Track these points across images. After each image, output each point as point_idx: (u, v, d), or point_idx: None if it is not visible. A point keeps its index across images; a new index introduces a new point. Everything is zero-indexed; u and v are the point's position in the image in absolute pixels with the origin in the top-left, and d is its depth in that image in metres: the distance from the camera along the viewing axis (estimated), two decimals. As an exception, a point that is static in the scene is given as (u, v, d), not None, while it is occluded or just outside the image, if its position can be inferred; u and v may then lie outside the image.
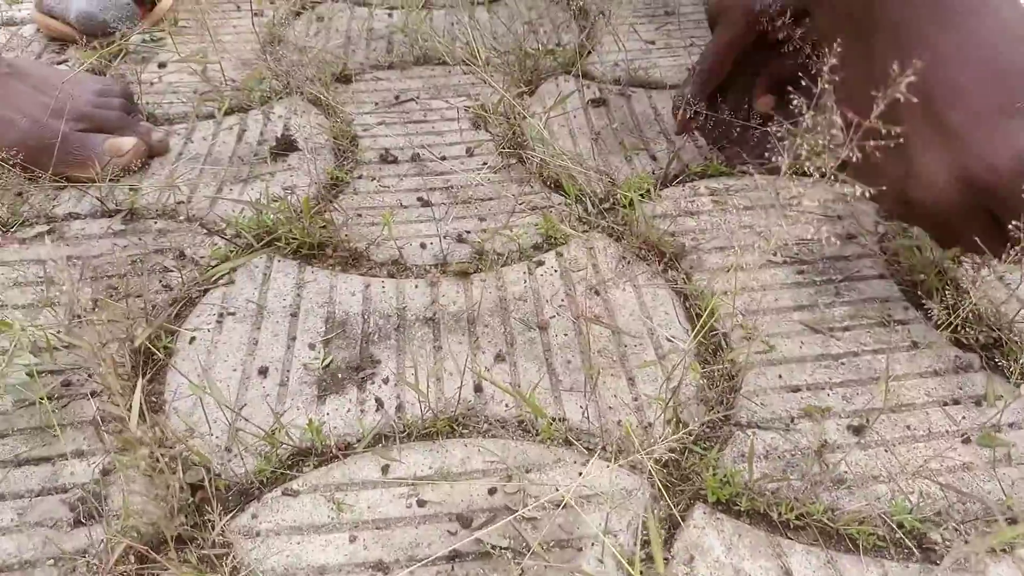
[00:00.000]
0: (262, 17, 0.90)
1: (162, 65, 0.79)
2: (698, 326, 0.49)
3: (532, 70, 0.78)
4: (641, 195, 0.61)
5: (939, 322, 0.50)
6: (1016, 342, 0.48)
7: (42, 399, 0.44)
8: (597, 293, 0.53)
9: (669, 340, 0.49)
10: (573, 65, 0.79)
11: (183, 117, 0.71)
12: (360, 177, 0.64)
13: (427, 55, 0.81)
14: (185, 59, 0.79)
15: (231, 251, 0.56)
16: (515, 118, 0.70)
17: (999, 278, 0.54)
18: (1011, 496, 0.40)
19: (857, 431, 0.43)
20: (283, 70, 0.77)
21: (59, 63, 0.80)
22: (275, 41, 0.84)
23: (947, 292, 0.51)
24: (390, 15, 0.90)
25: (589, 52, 0.83)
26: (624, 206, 0.60)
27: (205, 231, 0.58)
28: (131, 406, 0.37)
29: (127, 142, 0.63)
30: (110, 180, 0.62)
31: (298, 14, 0.91)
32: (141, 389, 0.42)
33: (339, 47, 0.84)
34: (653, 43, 0.84)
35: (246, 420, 0.44)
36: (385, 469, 0.41)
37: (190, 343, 0.49)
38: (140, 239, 0.57)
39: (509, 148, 0.66)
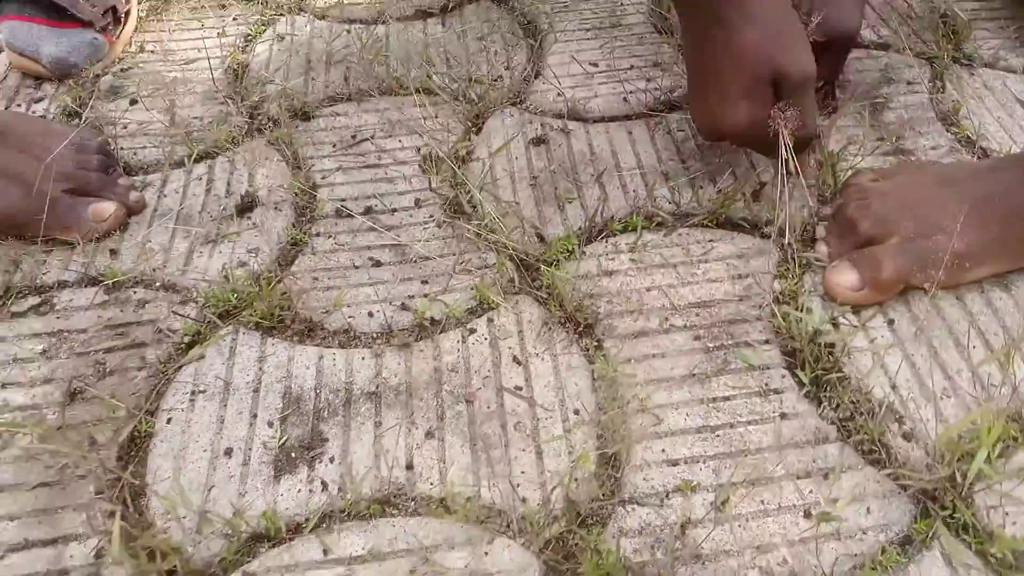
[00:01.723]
0: (225, 37, 0.94)
1: (133, 102, 0.85)
2: (598, 400, 0.58)
3: (480, 100, 0.83)
4: (566, 254, 0.68)
5: (807, 392, 0.58)
6: (869, 413, 0.57)
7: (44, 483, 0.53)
8: (519, 363, 0.61)
9: (576, 412, 0.58)
10: (519, 96, 0.85)
11: (156, 165, 0.78)
12: (318, 235, 0.71)
13: (381, 86, 0.86)
14: (153, 94, 0.85)
15: (201, 325, 0.64)
16: (460, 164, 0.76)
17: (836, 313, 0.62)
18: (832, 573, 0.49)
19: (719, 506, 0.52)
20: (247, 108, 0.83)
21: (36, 100, 0.85)
22: (239, 69, 0.89)
23: (818, 363, 0.59)
24: (348, 31, 0.94)
25: (537, 75, 0.87)
26: (551, 265, 0.68)
27: (180, 300, 0.65)
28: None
29: (108, 208, 0.70)
30: (92, 241, 0.69)
31: (261, 31, 0.95)
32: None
33: (300, 73, 0.88)
34: (596, 66, 0.89)
35: (213, 502, 0.53)
36: (326, 551, 0.50)
37: (167, 423, 0.57)
38: (122, 310, 0.65)
39: (450, 209, 0.73)
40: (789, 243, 0.68)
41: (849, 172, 0.74)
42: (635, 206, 0.72)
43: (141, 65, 0.89)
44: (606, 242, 0.70)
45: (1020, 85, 0.85)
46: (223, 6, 0.99)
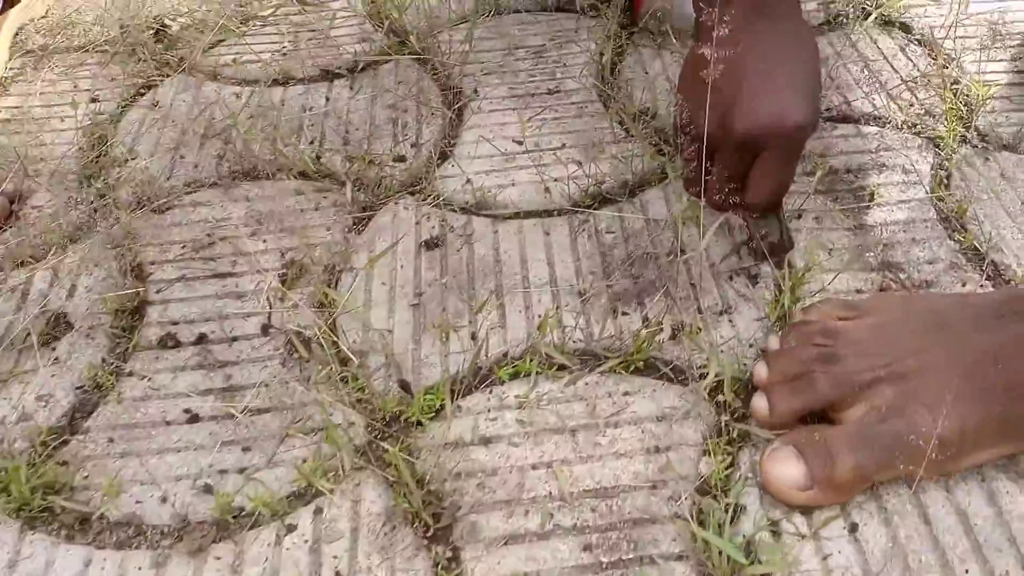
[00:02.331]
0: (98, 103, 0.80)
1: (-34, 187, 0.71)
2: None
3: (376, 186, 0.68)
4: (432, 413, 0.53)
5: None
6: None
7: None
8: (343, 580, 0.45)
9: (403, 666, 0.42)
10: (420, 181, 0.69)
11: (-31, 269, 0.64)
12: (130, 374, 0.56)
13: (258, 168, 0.71)
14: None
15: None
16: (330, 276, 0.61)
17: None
18: None
19: None
20: (94, 194, 0.69)
21: None
22: (100, 145, 0.75)
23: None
24: (238, 95, 0.80)
25: (445, 155, 0.72)
26: (416, 424, 0.52)
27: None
28: None
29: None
30: None
31: (139, 95, 0.81)
32: None
33: (169, 149, 0.74)
34: (520, 143, 0.73)
35: None
36: None
37: None
38: None
39: (301, 341, 0.57)
40: (726, 402, 0.52)
41: (816, 297, 0.58)
42: (534, 343, 0.56)
43: (-11, 139, 0.76)
44: (490, 393, 0.54)
45: (1047, 174, 0.68)
46: (102, 64, 0.85)
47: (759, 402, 0.50)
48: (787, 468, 0.46)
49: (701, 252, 0.61)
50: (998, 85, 0.76)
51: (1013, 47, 0.81)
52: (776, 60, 0.54)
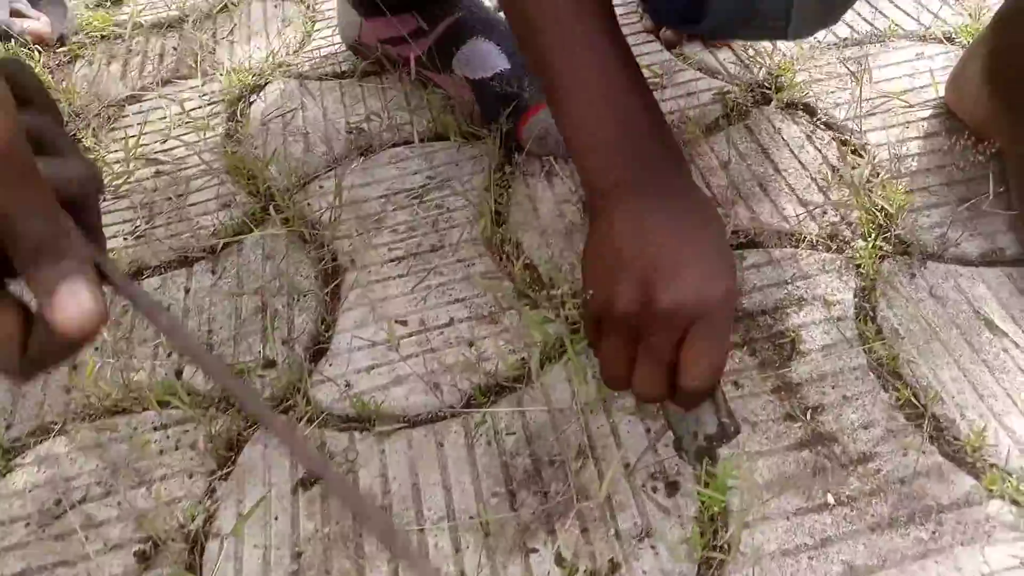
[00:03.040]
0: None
1: None
2: None
3: (239, 425, 0.60)
4: None
5: None
6: None
7: None
8: None
9: None
10: (295, 391, 0.61)
11: None
12: None
13: (109, 402, 0.63)
14: None
15: None
16: (191, 548, 0.53)
17: None
18: None
19: None
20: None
21: None
22: (-71, 390, 0.66)
23: None
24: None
25: (320, 352, 0.64)
26: None
27: None
28: None
29: None
30: None
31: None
32: None
33: (6, 388, 0.65)
34: (405, 323, 0.65)
35: None
36: None
37: None
38: None
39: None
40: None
41: (750, 510, 0.51)
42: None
43: None
44: None
45: (981, 287, 0.61)
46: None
47: None
48: None
49: (616, 463, 0.54)
50: (911, 172, 0.70)
51: (925, 119, 0.75)
52: (686, 226, 0.47)
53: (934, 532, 0.49)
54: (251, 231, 0.74)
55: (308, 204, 0.76)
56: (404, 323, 0.65)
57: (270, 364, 0.64)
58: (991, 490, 0.51)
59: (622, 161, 0.49)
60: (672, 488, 0.53)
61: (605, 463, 0.54)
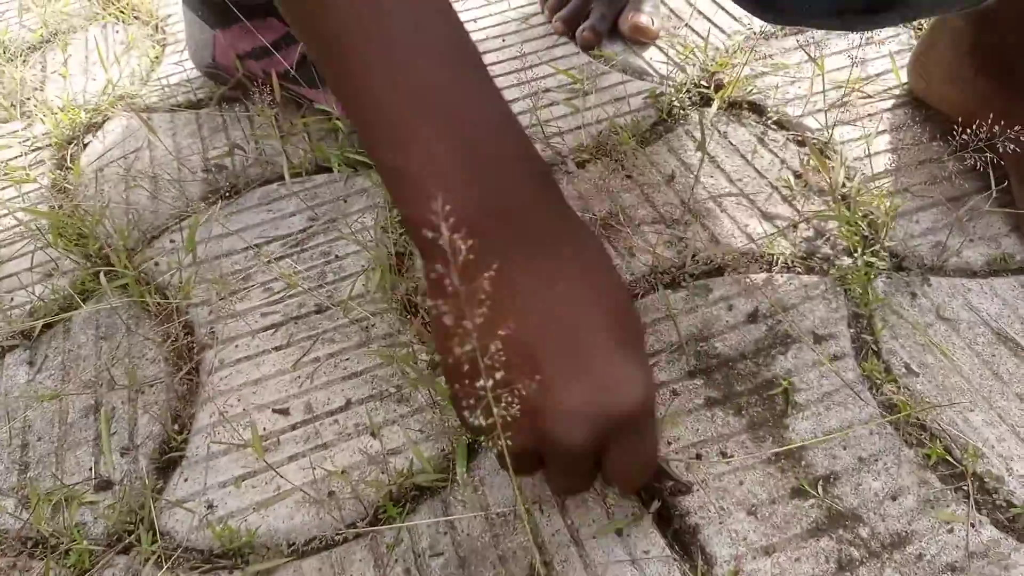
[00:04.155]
0: None
1: None
2: None
3: (65, 552, 0.44)
4: None
5: None
6: None
7: None
8: None
9: None
10: (137, 521, 0.45)
11: None
12: None
13: None
14: None
15: None
16: None
17: None
18: None
19: None
20: None
21: None
22: None
23: None
24: None
25: (181, 454, 0.48)
26: None
27: None
28: None
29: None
30: None
31: None
32: None
33: None
34: (286, 414, 0.50)
35: None
36: None
37: None
38: None
39: None
40: None
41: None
42: None
43: None
44: None
45: (995, 303, 0.50)
46: None
47: None
48: None
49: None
50: (888, 172, 0.59)
51: (888, 109, 0.64)
52: (569, 297, 0.34)
53: (1014, 642, 0.37)
54: (79, 306, 0.57)
55: (155, 264, 0.60)
56: (285, 412, 0.50)
57: (105, 485, 0.47)
58: (1073, 573, 0.39)
59: (461, 180, 0.32)
60: (660, 612, 0.39)
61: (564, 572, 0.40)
